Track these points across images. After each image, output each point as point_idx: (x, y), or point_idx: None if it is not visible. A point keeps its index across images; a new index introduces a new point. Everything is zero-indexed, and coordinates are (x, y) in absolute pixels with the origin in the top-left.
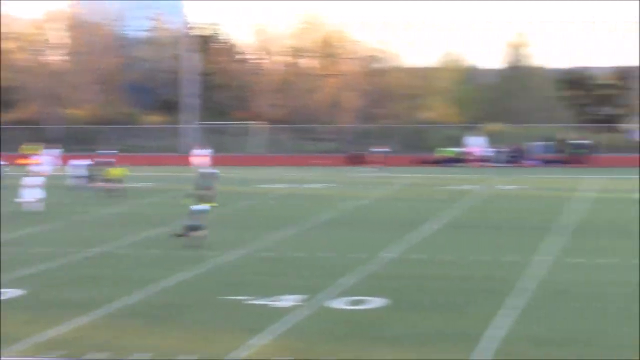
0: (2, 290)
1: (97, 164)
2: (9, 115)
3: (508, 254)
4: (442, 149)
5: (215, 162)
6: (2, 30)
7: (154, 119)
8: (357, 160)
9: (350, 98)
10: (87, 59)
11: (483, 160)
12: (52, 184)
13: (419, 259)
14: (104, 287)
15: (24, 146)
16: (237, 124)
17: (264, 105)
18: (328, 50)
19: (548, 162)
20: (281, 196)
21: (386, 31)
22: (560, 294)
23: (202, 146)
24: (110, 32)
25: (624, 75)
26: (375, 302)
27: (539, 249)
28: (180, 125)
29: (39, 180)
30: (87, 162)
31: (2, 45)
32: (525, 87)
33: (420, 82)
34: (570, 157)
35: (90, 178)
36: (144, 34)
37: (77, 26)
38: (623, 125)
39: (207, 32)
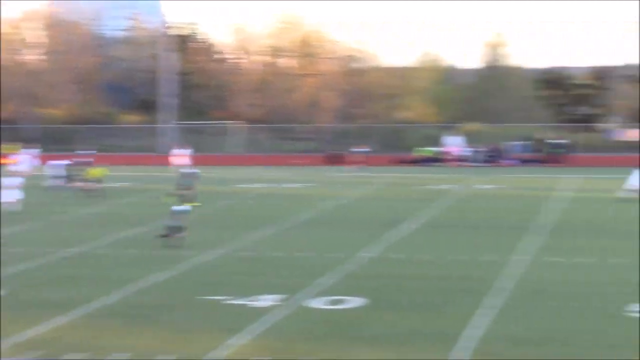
0: None
1: (76, 164)
2: None
3: (486, 253)
4: (420, 148)
5: (194, 161)
6: None
7: (131, 119)
8: (335, 159)
9: (329, 98)
10: (65, 58)
11: (461, 159)
12: (31, 184)
13: (398, 258)
14: (83, 287)
15: (1, 146)
16: (215, 123)
17: (242, 105)
18: (306, 50)
19: (526, 162)
20: (260, 196)
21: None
22: (538, 293)
23: (182, 146)
24: (87, 32)
25: (601, 75)
26: (353, 302)
27: (516, 249)
28: (158, 125)
29: (18, 180)
30: (66, 162)
31: None
32: (503, 87)
33: (399, 81)
34: (548, 156)
35: (69, 178)
36: (121, 34)
37: (54, 25)
38: (600, 125)
39: (185, 32)
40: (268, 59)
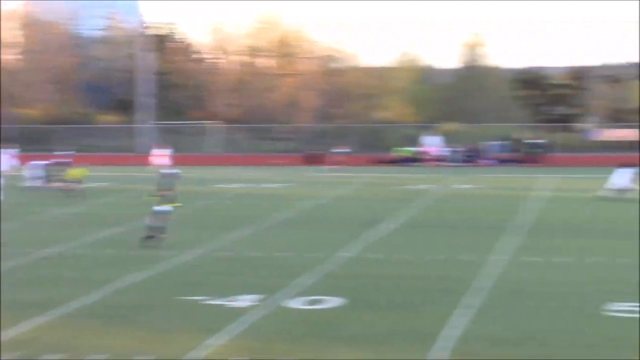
0: None
1: (55, 164)
2: None
3: (464, 253)
4: (398, 148)
5: (172, 161)
6: None
7: (109, 119)
8: (314, 159)
9: (307, 98)
10: (42, 58)
11: (439, 159)
12: (9, 185)
13: (376, 258)
14: (62, 287)
15: None
16: (193, 123)
17: (220, 105)
18: (285, 50)
19: (503, 162)
20: (238, 196)
21: (343, 31)
22: (516, 293)
23: (161, 145)
24: (65, 31)
25: (579, 75)
26: (332, 302)
27: (494, 248)
28: (136, 125)
29: None
30: (45, 162)
31: None
32: (480, 87)
33: (377, 81)
34: (526, 156)
35: (48, 178)
36: (99, 33)
37: (31, 25)
38: (578, 125)
39: (162, 32)
40: (246, 58)
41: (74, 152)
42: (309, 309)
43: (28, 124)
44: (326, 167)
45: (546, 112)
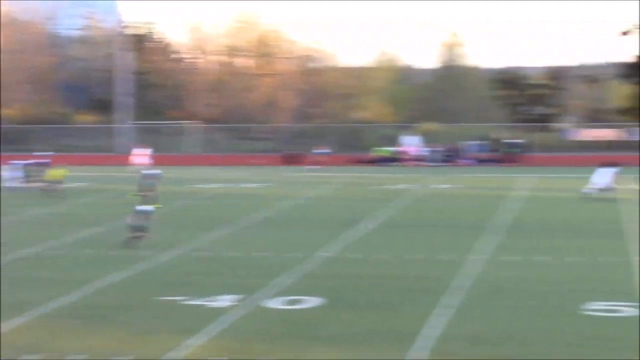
0: None
1: (34, 164)
2: None
3: (443, 252)
4: (377, 148)
5: (152, 161)
6: None
7: (87, 119)
8: (293, 159)
9: (286, 97)
10: (20, 57)
11: (418, 159)
12: None
13: (355, 258)
14: (41, 288)
15: None
16: (171, 123)
17: (199, 105)
18: (263, 50)
19: (482, 161)
20: (217, 196)
21: (321, 31)
22: (495, 293)
23: (141, 145)
24: (43, 31)
25: (557, 75)
26: (311, 302)
27: (473, 248)
28: (115, 125)
29: None
30: (24, 162)
31: None
32: (459, 87)
33: (356, 81)
34: (504, 156)
35: (27, 178)
36: (77, 33)
37: (8, 24)
38: (556, 125)
39: (141, 31)
40: (225, 58)
41: (53, 152)
42: (288, 309)
43: (6, 124)
44: (305, 167)
45: (524, 112)
